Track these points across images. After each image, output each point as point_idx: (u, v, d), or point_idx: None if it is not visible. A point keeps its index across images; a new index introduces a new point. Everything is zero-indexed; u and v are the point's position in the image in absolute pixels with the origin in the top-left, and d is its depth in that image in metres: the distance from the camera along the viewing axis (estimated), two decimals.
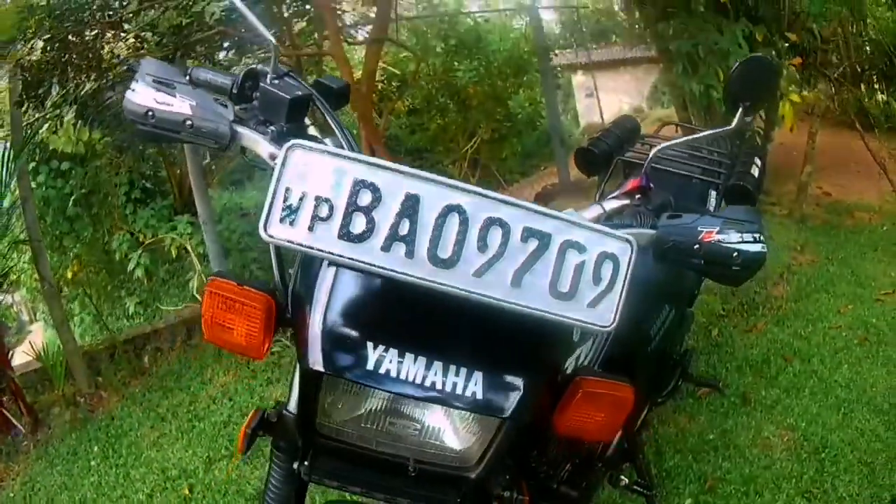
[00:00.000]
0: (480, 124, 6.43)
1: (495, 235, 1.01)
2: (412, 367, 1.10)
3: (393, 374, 1.10)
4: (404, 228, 1.01)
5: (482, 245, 1.02)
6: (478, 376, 1.11)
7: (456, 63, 6.62)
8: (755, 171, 2.42)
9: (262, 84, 1.29)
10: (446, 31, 6.61)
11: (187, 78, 1.27)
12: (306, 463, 1.31)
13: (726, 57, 4.37)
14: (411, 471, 1.24)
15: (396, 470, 1.26)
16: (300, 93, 1.29)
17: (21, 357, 5.60)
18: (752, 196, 2.41)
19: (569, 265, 1.04)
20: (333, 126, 1.36)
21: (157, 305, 6.47)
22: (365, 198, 1.01)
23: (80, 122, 5.92)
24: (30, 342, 5.82)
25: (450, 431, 1.23)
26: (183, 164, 7.62)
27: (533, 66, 6.78)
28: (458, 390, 1.10)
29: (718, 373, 3.02)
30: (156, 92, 1.23)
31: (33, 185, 5.52)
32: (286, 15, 5.67)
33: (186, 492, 3.56)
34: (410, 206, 1.01)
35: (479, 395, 1.11)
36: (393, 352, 1.10)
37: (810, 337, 3.24)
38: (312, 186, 1.01)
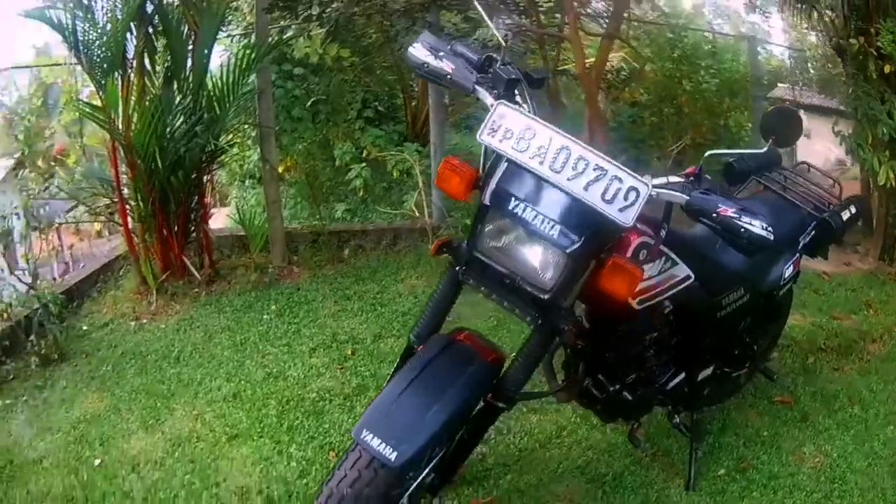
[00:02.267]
0: (689, 131, 6.82)
1: (581, 164, 1.81)
2: (529, 213, 1.87)
3: (519, 213, 1.88)
4: (541, 151, 1.84)
5: (573, 167, 1.82)
6: (558, 227, 1.85)
7: (679, 72, 7.05)
8: (845, 216, 2.98)
9: (493, 66, 2.12)
10: (674, 41, 7.12)
11: (449, 48, 2.16)
12: (464, 268, 2.08)
13: (875, 124, 4.66)
14: (517, 283, 1.95)
15: (508, 283, 1.98)
16: (514, 76, 2.09)
17: (224, 222, 6.44)
18: (834, 235, 2.96)
19: (612, 187, 1.80)
20: (527, 98, 2.12)
21: (375, 209, 6.97)
22: (527, 134, 1.87)
23: (329, 38, 6.52)
24: (236, 207, 6.66)
25: (539, 259, 1.90)
26: (420, 99, 8.27)
27: (749, 92, 7.21)
28: (547, 230, 1.84)
29: (797, 388, 3.36)
30: (429, 53, 2.14)
31: (272, 79, 6.27)
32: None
33: (349, 352, 4.09)
34: (545, 143, 1.85)
35: (556, 236, 1.84)
36: (522, 204, 1.88)
37: (878, 393, 3.51)
38: (506, 123, 1.89)
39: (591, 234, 1.88)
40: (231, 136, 5.75)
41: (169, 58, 5.09)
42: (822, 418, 3.21)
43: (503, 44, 2.14)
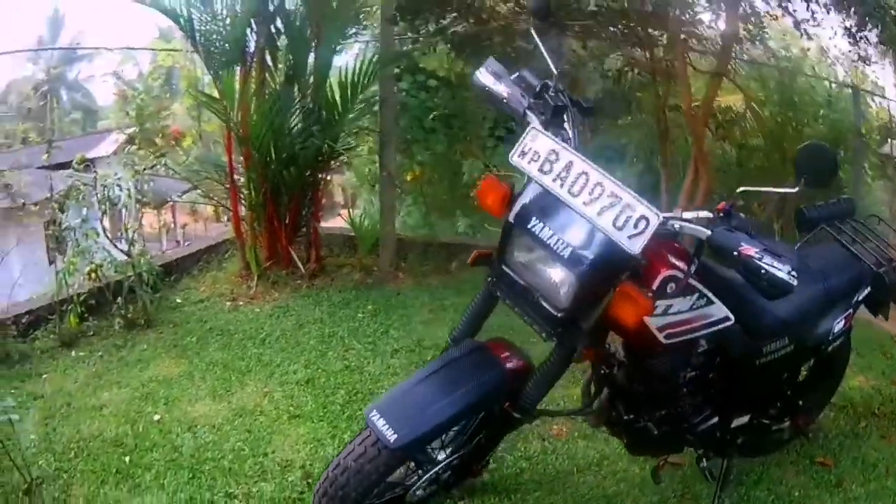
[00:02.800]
0: (791, 178, 6.46)
1: (597, 190, 1.83)
2: (546, 232, 1.89)
3: (537, 232, 1.90)
4: (563, 175, 1.88)
5: (590, 192, 1.85)
6: (570, 248, 1.86)
7: (787, 117, 6.91)
8: None
9: (545, 93, 2.16)
10: (783, 85, 6.97)
11: (516, 75, 2.22)
12: (495, 280, 2.13)
13: None
14: (536, 298, 1.99)
15: (528, 297, 2.01)
16: (561, 104, 2.15)
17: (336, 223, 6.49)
18: (889, 292, 2.85)
19: (624, 215, 1.80)
20: (572, 124, 2.15)
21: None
22: (552, 157, 1.92)
23: (453, 52, 6.54)
24: (349, 211, 6.72)
25: (554, 278, 1.93)
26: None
27: (850, 145, 7.04)
28: (560, 250, 1.86)
29: (841, 451, 3.20)
30: (492, 78, 2.22)
31: (395, 89, 6.21)
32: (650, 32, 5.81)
33: (429, 358, 3.83)
34: (567, 167, 1.89)
35: (567, 256, 1.86)
36: (541, 224, 1.91)
37: None
38: (535, 146, 1.94)
39: (602, 259, 1.88)
40: (350, 139, 5.75)
41: (291, 57, 5.18)
42: (856, 486, 2.96)
43: (554, 73, 2.22)
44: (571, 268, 1.88)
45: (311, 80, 5.20)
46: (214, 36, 4.83)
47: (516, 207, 2.00)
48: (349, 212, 6.19)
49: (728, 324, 2.20)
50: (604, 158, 2.09)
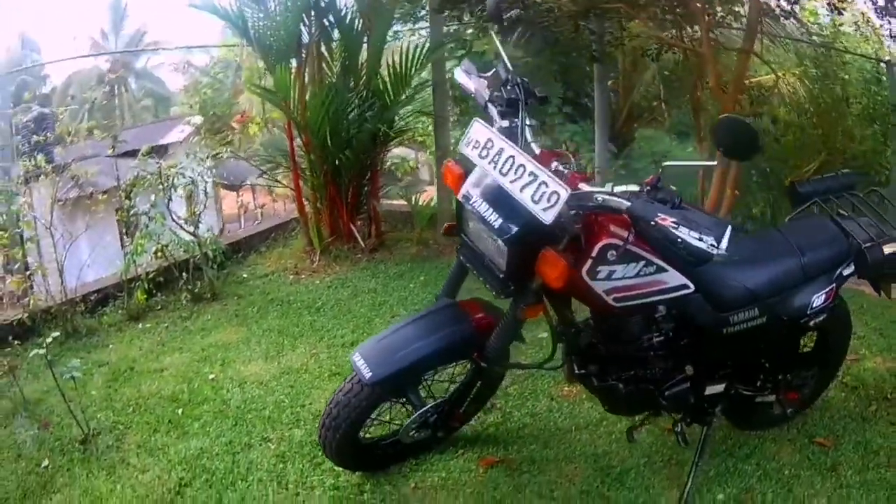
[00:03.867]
0: (824, 154, 6.34)
1: (520, 170, 2.03)
2: (482, 206, 2.13)
3: (475, 207, 2.15)
4: (495, 158, 2.09)
5: (515, 171, 2.04)
6: (500, 220, 2.09)
7: (821, 91, 6.73)
8: (890, 249, 2.70)
9: (504, 87, 2.41)
10: (817, 60, 6.81)
11: (493, 71, 2.51)
12: (459, 247, 2.38)
13: None
14: (486, 262, 2.26)
15: (482, 261, 2.28)
16: (514, 97, 2.37)
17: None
18: (868, 269, 2.70)
19: (540, 190, 1.99)
20: (522, 113, 2.38)
21: None
22: (488, 144, 2.12)
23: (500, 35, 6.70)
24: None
25: (495, 245, 2.17)
26: (622, 98, 8.44)
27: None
28: (493, 221, 2.09)
29: (844, 433, 3.02)
30: (464, 76, 2.51)
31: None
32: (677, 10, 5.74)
33: None
34: (499, 152, 2.09)
35: (497, 226, 2.08)
36: (480, 200, 2.15)
37: None
38: (476, 136, 2.15)
39: (524, 228, 2.07)
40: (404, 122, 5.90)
41: (344, 48, 5.33)
42: (852, 473, 2.77)
43: (509, 68, 2.46)
44: (501, 236, 2.09)
45: (364, 69, 5.35)
46: (268, 32, 5.00)
47: (464, 187, 2.23)
48: (414, 197, 6.30)
49: (686, 292, 2.29)
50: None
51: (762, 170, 7.00)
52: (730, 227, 1.92)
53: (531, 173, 2.04)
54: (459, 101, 7.84)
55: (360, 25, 5.35)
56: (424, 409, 2.44)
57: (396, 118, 5.62)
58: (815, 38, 7.11)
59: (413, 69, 5.26)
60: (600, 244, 2.12)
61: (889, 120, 6.80)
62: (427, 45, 5.57)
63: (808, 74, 6.98)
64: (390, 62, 5.28)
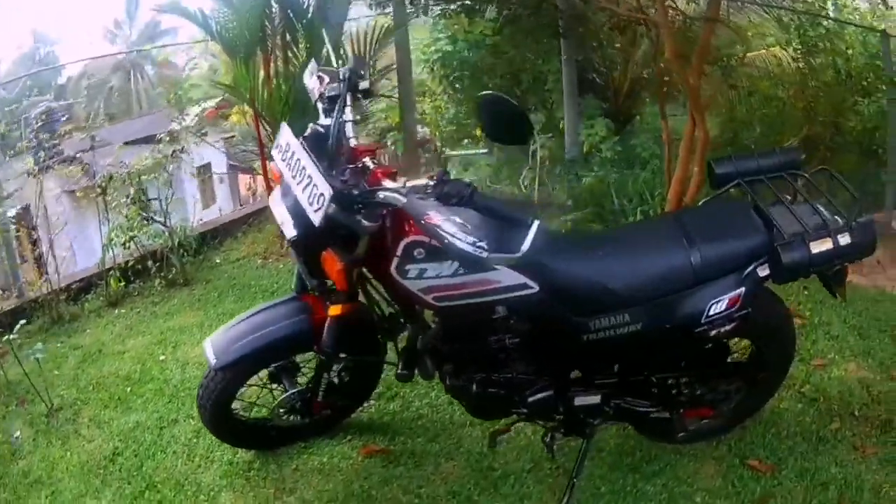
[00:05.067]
0: (805, 127, 6.26)
1: (303, 173, 2.12)
2: (282, 209, 2.26)
3: (280, 207, 2.26)
4: (291, 161, 2.19)
5: (300, 174, 2.13)
6: (292, 221, 2.21)
7: (798, 60, 6.66)
8: (821, 247, 2.28)
9: (326, 85, 2.44)
10: (801, 29, 6.64)
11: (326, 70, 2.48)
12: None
13: None
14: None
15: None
16: (333, 94, 2.40)
17: None
18: (784, 272, 2.30)
19: (313, 192, 2.05)
20: (347, 108, 2.38)
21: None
22: (287, 148, 2.23)
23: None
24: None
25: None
26: (623, 72, 8.41)
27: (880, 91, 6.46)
28: (284, 225, 2.21)
29: (792, 451, 2.75)
30: (308, 76, 2.52)
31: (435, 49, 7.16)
32: None
33: None
34: (292, 155, 2.19)
35: (284, 229, 2.23)
36: (282, 202, 2.29)
37: (884, 497, 2.60)
38: (282, 140, 2.29)
39: (305, 230, 2.18)
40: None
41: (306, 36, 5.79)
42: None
43: (334, 65, 2.50)
44: (289, 235, 2.23)
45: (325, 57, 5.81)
46: (230, 28, 5.54)
47: (274, 191, 2.42)
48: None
49: (527, 292, 2.21)
50: None
51: (742, 145, 6.98)
52: (534, 227, 1.96)
53: (308, 175, 2.11)
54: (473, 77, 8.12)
55: (320, 13, 5.75)
56: (287, 394, 2.73)
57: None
58: (798, 4, 7.12)
59: (371, 51, 5.70)
60: (405, 241, 2.15)
61: (886, 94, 6.47)
62: (384, 26, 5.97)
63: (791, 44, 7.04)
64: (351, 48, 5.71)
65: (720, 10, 6.06)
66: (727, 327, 2.40)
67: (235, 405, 2.86)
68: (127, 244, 5.20)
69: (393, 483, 2.77)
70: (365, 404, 3.21)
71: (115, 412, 3.52)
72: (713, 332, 2.39)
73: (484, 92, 2.33)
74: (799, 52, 6.88)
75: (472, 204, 1.95)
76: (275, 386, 2.85)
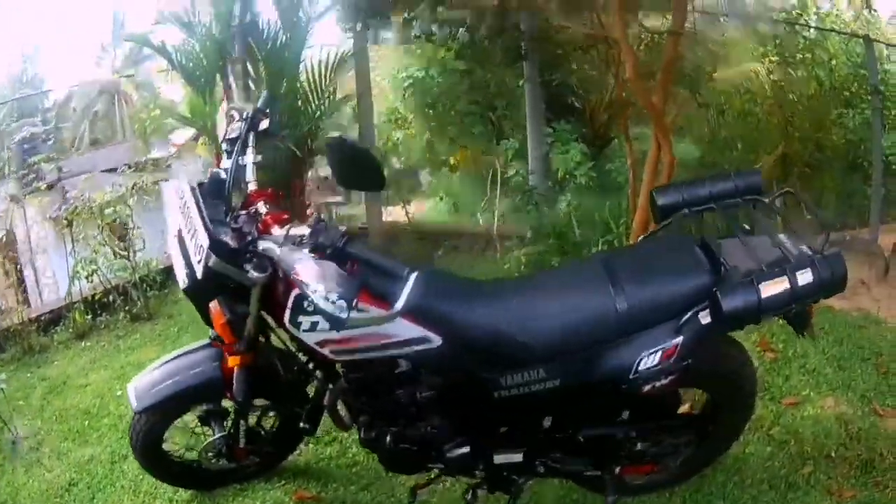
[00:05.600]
0: (782, 143, 5.98)
1: (191, 223, 2.19)
2: (178, 259, 2.30)
3: (174, 259, 2.31)
4: (185, 211, 2.20)
5: (190, 225, 2.17)
6: (184, 269, 2.24)
7: (785, 75, 6.40)
8: (773, 289, 2.04)
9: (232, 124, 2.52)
10: (778, 39, 6.49)
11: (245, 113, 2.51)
12: None
13: None
14: None
15: None
16: (234, 136, 2.45)
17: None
18: (723, 320, 2.07)
19: (196, 244, 2.13)
20: (251, 147, 2.43)
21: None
22: (181, 196, 2.26)
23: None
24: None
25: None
26: (595, 99, 8.35)
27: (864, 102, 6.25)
28: (178, 273, 2.28)
29: (756, 500, 2.63)
30: (221, 115, 2.76)
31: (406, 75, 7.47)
32: None
33: None
34: (186, 204, 2.21)
35: (178, 278, 2.29)
36: (178, 251, 2.30)
37: None
38: (180, 188, 2.32)
39: (192, 280, 2.21)
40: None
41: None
42: None
43: (236, 105, 2.67)
44: (182, 286, 2.27)
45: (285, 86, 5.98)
46: (191, 60, 5.85)
47: (169, 240, 2.43)
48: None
49: (428, 346, 2.14)
50: None
51: (711, 165, 6.95)
52: (411, 280, 1.98)
53: (192, 227, 2.13)
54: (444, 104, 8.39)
55: (280, 43, 6.02)
56: (211, 439, 2.75)
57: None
58: (774, 14, 6.86)
59: (326, 81, 5.97)
60: (294, 293, 2.08)
61: (870, 104, 6.16)
62: (337, 54, 6.20)
63: (768, 56, 6.83)
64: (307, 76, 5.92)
65: (688, 25, 5.80)
66: (663, 381, 2.18)
67: (168, 446, 2.98)
68: (90, 277, 5.52)
69: None
70: (302, 447, 3.32)
71: (74, 444, 3.81)
72: (646, 388, 2.18)
73: (331, 135, 2.40)
74: (775, 63, 6.70)
75: (346, 255, 1.94)
76: (205, 429, 2.86)
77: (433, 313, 2.14)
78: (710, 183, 2.39)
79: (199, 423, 2.88)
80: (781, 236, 2.22)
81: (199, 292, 2.26)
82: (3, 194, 5.63)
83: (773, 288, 2.03)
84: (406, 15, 6.37)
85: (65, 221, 5.72)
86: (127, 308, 5.57)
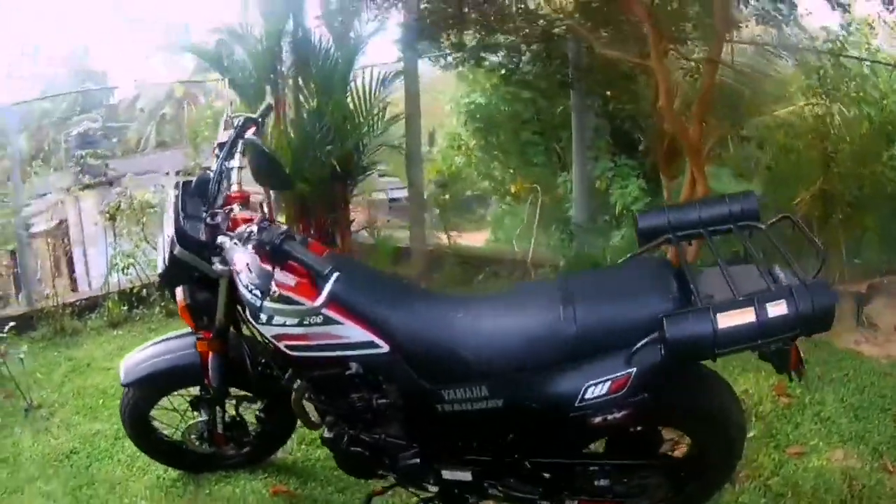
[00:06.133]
0: (820, 180, 5.76)
1: (170, 215, 2.50)
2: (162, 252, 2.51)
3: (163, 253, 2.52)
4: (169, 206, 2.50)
5: (168, 218, 2.46)
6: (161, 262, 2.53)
7: (814, 105, 6.19)
8: (727, 321, 1.87)
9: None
10: (821, 71, 6.19)
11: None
12: None
13: None
14: None
15: None
16: (223, 141, 2.61)
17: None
18: (670, 349, 1.94)
19: (168, 232, 2.44)
20: (237, 151, 2.57)
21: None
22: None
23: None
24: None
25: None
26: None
27: None
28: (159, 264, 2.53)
29: None
30: (222, 122, 2.75)
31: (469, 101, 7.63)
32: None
33: None
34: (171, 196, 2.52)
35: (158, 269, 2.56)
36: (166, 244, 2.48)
37: None
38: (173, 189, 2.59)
39: (164, 270, 2.50)
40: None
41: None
42: None
43: (229, 113, 2.74)
44: (158, 271, 2.57)
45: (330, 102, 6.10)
46: (242, 71, 6.11)
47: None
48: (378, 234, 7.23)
49: (376, 351, 2.22)
50: None
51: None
52: (331, 280, 2.01)
53: (170, 221, 2.42)
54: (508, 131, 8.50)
55: (331, 60, 6.19)
56: (193, 422, 3.03)
57: (365, 152, 6.42)
58: (818, 44, 6.65)
59: (371, 100, 6.09)
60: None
61: None
62: (383, 74, 6.30)
63: (812, 89, 6.49)
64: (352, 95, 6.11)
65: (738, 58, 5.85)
66: (616, 414, 2.11)
67: (159, 425, 3.24)
68: (125, 270, 5.88)
69: None
70: (293, 447, 3.51)
71: (84, 418, 4.17)
72: (597, 420, 2.12)
73: (247, 137, 2.53)
74: (819, 95, 6.37)
75: (282, 252, 2.08)
76: (195, 414, 3.05)
77: (389, 320, 2.24)
78: (701, 206, 2.33)
79: (190, 408, 3.09)
80: (776, 267, 2.11)
81: (167, 279, 2.56)
82: (58, 185, 5.94)
83: (733, 319, 1.88)
84: (452, 39, 6.56)
85: (107, 215, 6.06)
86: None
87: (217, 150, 2.62)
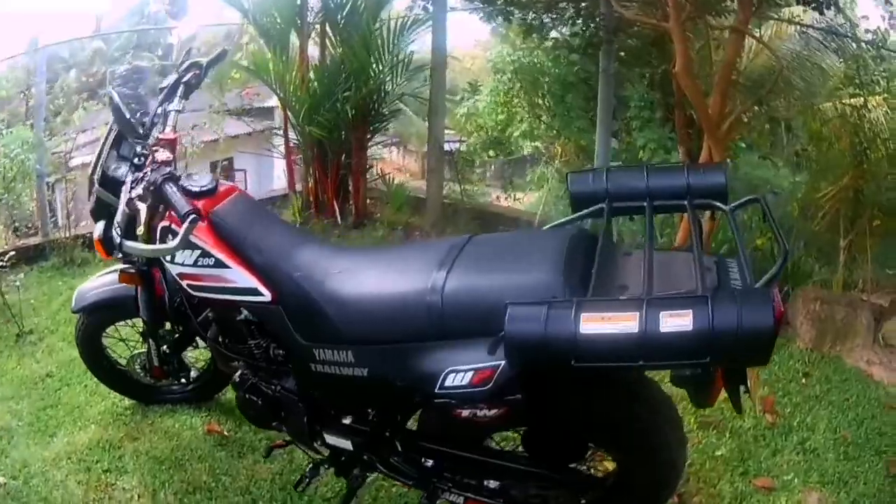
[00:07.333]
0: (850, 176, 5.26)
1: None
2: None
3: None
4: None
5: None
6: None
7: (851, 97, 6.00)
8: (605, 327, 1.47)
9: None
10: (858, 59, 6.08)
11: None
12: None
13: None
14: None
15: None
16: (166, 84, 2.66)
17: None
18: (510, 353, 1.61)
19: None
20: (162, 99, 2.59)
21: None
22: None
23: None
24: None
25: None
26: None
27: None
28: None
29: None
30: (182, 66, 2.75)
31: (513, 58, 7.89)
32: None
33: None
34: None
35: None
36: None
37: None
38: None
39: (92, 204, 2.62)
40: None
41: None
42: None
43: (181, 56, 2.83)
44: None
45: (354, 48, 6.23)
46: (266, 15, 6.32)
47: None
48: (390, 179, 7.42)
49: (260, 299, 2.23)
50: None
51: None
52: (187, 222, 1.98)
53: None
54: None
55: (358, 5, 6.36)
56: (137, 353, 3.30)
57: (386, 101, 6.65)
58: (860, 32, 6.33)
59: (392, 44, 6.22)
60: (161, 225, 2.31)
61: None
62: (410, 21, 6.46)
63: (850, 78, 6.50)
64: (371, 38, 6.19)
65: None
66: (486, 412, 1.91)
67: (114, 354, 3.47)
68: None
69: (206, 461, 3.13)
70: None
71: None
72: (463, 413, 1.93)
73: (115, 88, 2.57)
74: (857, 84, 6.30)
75: (158, 192, 2.15)
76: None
77: (276, 269, 2.22)
78: (653, 174, 2.02)
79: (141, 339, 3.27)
80: (730, 262, 1.78)
81: (93, 213, 2.63)
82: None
83: (606, 325, 1.47)
84: None
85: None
86: None
87: (159, 93, 2.66)
